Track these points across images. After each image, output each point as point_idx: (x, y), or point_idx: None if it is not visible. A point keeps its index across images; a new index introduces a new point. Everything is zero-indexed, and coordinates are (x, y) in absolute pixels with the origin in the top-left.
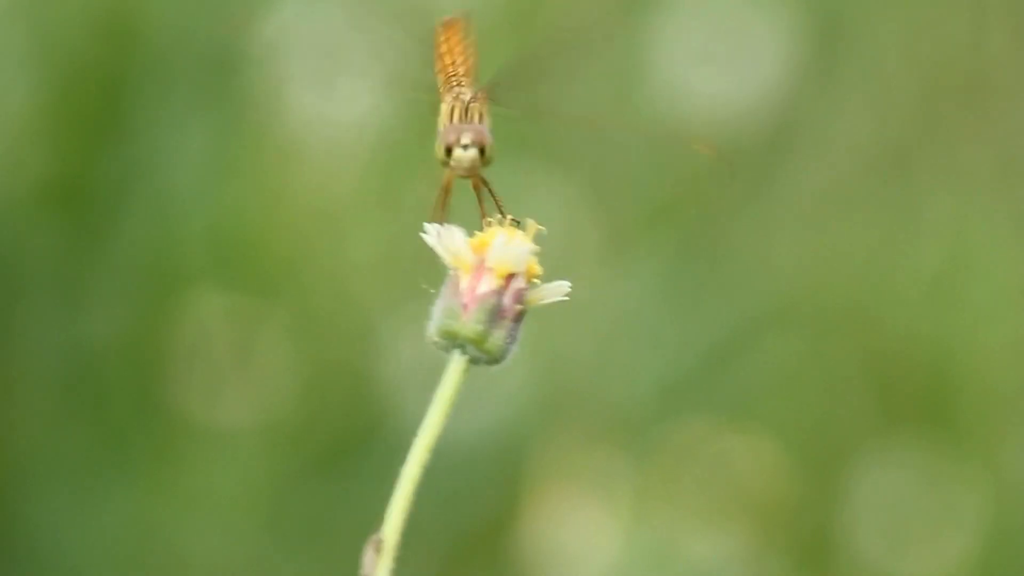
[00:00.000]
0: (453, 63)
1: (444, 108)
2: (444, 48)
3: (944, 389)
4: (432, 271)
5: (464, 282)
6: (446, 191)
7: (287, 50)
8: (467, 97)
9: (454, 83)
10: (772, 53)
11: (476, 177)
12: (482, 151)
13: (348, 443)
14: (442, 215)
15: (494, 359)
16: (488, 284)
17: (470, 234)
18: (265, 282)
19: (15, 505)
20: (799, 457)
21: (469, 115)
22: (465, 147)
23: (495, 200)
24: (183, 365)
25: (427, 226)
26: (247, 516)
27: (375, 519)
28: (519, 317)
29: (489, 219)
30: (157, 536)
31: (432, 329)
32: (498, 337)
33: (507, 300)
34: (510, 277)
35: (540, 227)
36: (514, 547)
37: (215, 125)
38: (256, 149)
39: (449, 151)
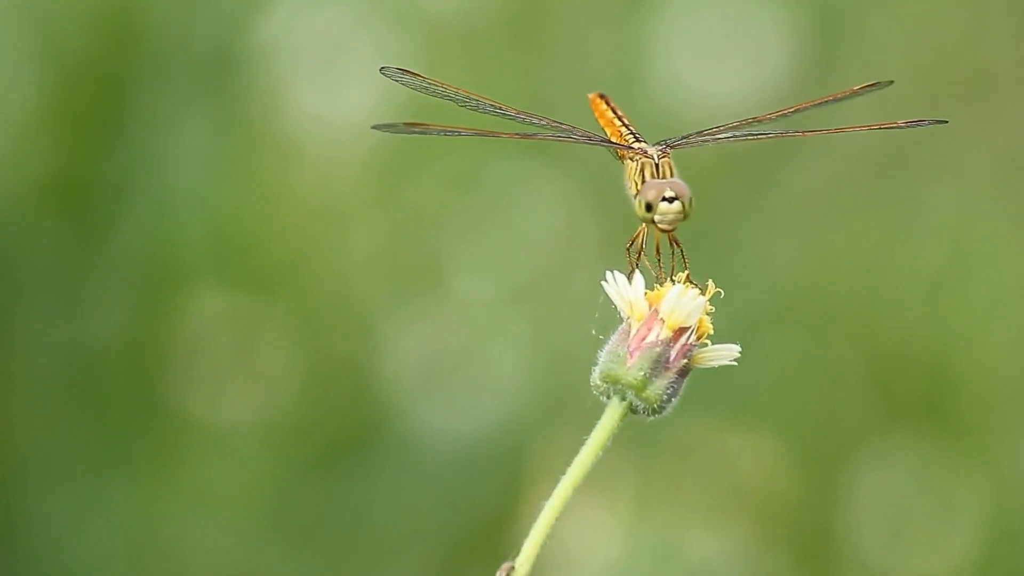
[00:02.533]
0: (625, 126)
1: (632, 166)
2: (610, 115)
3: (944, 388)
4: (604, 316)
5: (634, 331)
6: (642, 247)
7: (286, 50)
8: (655, 154)
9: (632, 142)
10: (772, 51)
11: (674, 232)
12: (684, 204)
13: (348, 441)
14: (634, 269)
15: (652, 409)
16: (657, 334)
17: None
18: (265, 281)
19: (15, 505)
20: (800, 456)
21: (661, 171)
22: (671, 200)
23: (683, 259)
24: (183, 364)
25: (609, 275)
26: (247, 514)
27: (374, 517)
28: (684, 372)
29: (671, 277)
30: (157, 534)
31: (596, 373)
32: (658, 387)
33: (674, 352)
34: (680, 331)
35: (718, 289)
36: (514, 547)
37: (215, 124)
38: (256, 148)
39: (650, 207)
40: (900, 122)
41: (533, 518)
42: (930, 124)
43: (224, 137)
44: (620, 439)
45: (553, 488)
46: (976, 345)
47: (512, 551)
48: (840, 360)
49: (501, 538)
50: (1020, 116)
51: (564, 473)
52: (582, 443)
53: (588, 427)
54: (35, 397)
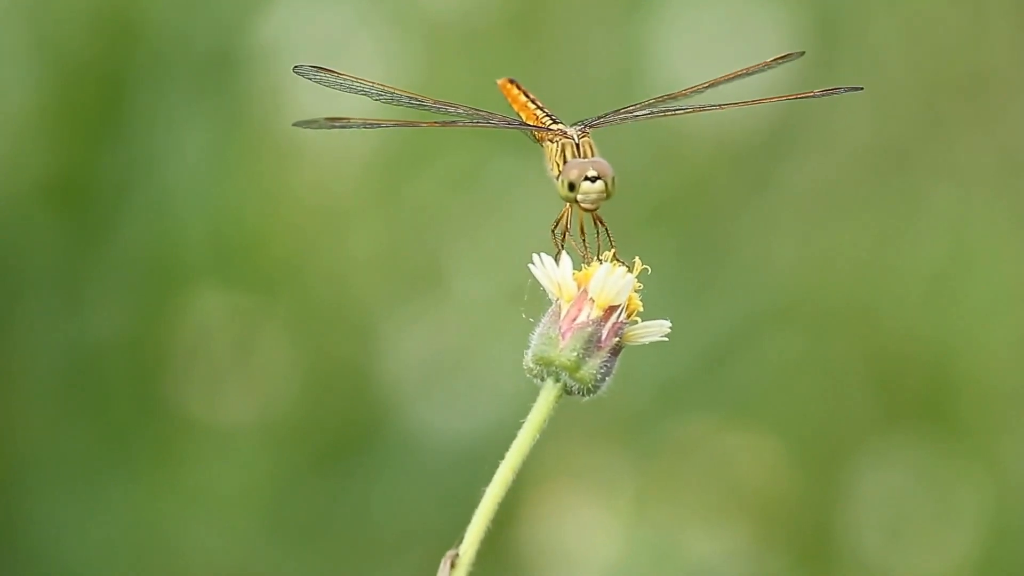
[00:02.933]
0: (539, 108)
1: (553, 148)
2: (523, 99)
3: (944, 387)
4: (534, 301)
5: (565, 311)
6: (567, 227)
7: (286, 50)
8: (575, 134)
9: (550, 124)
10: (772, 51)
11: (597, 210)
12: (607, 182)
13: (348, 441)
14: (560, 250)
15: (587, 389)
16: (587, 314)
17: (576, 267)
18: (265, 281)
19: (15, 505)
20: (799, 455)
21: (582, 151)
22: (593, 179)
23: (608, 238)
24: (183, 364)
25: (535, 257)
26: (247, 514)
27: (374, 517)
28: (616, 350)
29: (598, 256)
30: (157, 534)
31: (528, 356)
32: (592, 367)
33: (605, 331)
34: (611, 310)
35: (645, 266)
36: (514, 546)
37: (215, 124)
38: (256, 148)
39: (572, 186)
40: (816, 91)
41: (532, 518)
42: (846, 91)
43: (224, 137)
44: (619, 439)
45: (552, 487)
46: (976, 345)
47: (512, 551)
48: (840, 360)
49: (501, 538)
50: (1020, 116)
51: (503, 459)
52: (582, 442)
53: (589, 426)
54: (35, 397)
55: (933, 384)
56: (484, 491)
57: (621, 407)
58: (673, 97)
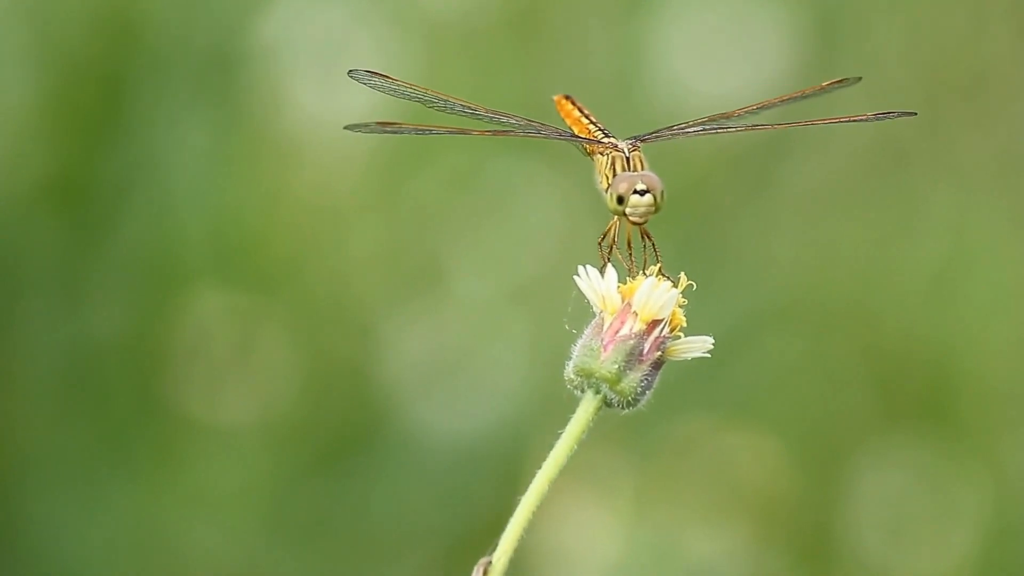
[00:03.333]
0: (592, 123)
1: (603, 161)
2: (576, 114)
3: (944, 386)
4: (577, 311)
5: (608, 324)
6: (614, 240)
7: (287, 49)
8: (626, 148)
9: (601, 137)
10: (772, 51)
11: (645, 224)
12: (656, 196)
13: (348, 441)
14: (606, 263)
15: (627, 401)
16: (630, 327)
17: (621, 281)
18: (265, 281)
19: (15, 504)
20: (799, 455)
21: (632, 165)
22: (642, 193)
23: (655, 252)
24: (183, 363)
25: (580, 269)
26: (247, 514)
27: (374, 517)
28: (658, 364)
29: (643, 270)
30: (157, 534)
31: (569, 367)
32: (632, 380)
33: (647, 345)
34: (654, 324)
35: (690, 282)
36: (516, 546)
37: (215, 123)
38: (256, 148)
39: (621, 200)
40: (869, 114)
41: (532, 518)
42: (898, 116)
43: (224, 137)
44: (619, 438)
45: (552, 487)
46: (976, 345)
47: (512, 551)
48: (840, 360)
49: (500, 538)
50: (1020, 116)
51: (540, 468)
52: (582, 441)
53: (594, 428)
54: (35, 397)
55: (933, 384)
56: (519, 499)
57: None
58: (726, 116)
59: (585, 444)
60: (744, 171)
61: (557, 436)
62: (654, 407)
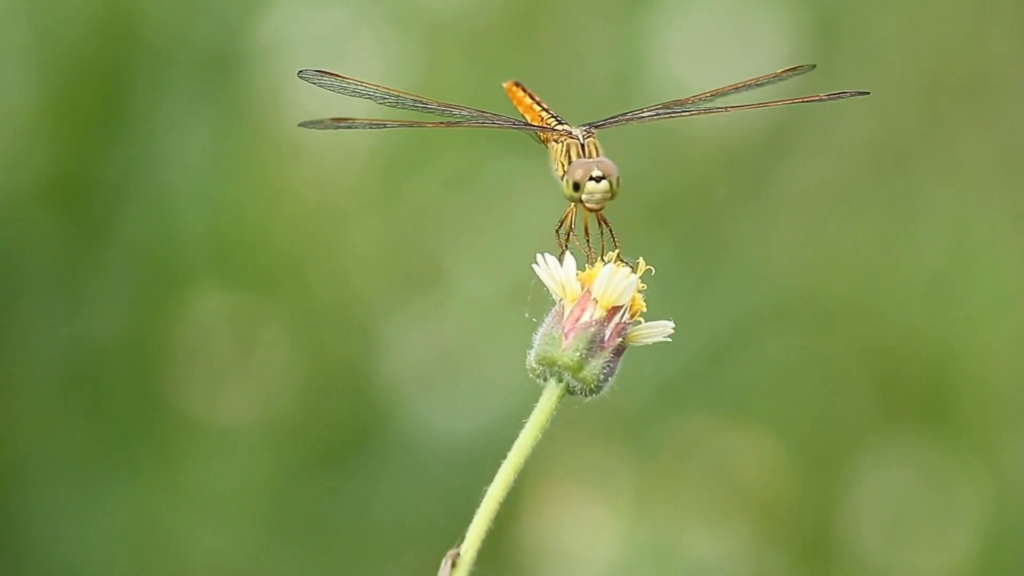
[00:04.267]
0: (545, 110)
1: (558, 148)
2: (528, 101)
3: (944, 386)
4: (537, 301)
5: (568, 312)
6: (571, 227)
7: (287, 49)
8: (580, 135)
9: (555, 124)
10: (772, 51)
11: (602, 211)
12: (611, 182)
13: (348, 440)
14: (564, 251)
15: (589, 389)
16: (591, 314)
17: (580, 268)
18: (265, 280)
19: (16, 503)
20: (799, 454)
21: (587, 151)
22: (598, 180)
23: (612, 238)
24: (183, 363)
25: (539, 257)
26: (247, 513)
27: (374, 516)
28: (619, 351)
29: (601, 256)
30: (157, 534)
31: (531, 356)
32: (595, 367)
33: (608, 332)
34: (614, 310)
35: (649, 267)
36: (514, 545)
37: (215, 123)
38: (256, 147)
39: (577, 186)
40: (823, 95)
41: (532, 517)
42: (852, 95)
43: (224, 136)
44: (618, 438)
45: (552, 487)
46: (976, 344)
47: (512, 551)
48: (840, 359)
49: (501, 538)
50: (1020, 116)
51: (505, 458)
52: (582, 441)
53: (588, 425)
54: (36, 395)
55: (933, 383)
56: (485, 490)
57: (621, 406)
58: (680, 103)
59: (585, 444)
60: (743, 171)
61: (520, 425)
62: (654, 407)
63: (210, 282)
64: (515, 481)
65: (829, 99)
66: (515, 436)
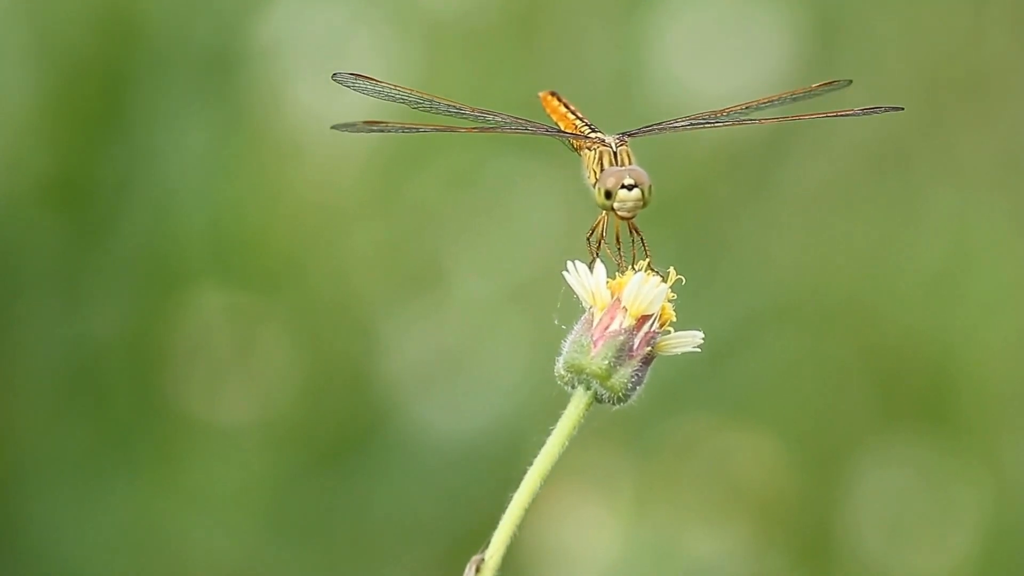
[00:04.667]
0: (579, 119)
1: (590, 156)
2: (563, 110)
3: (944, 386)
4: (567, 307)
5: (597, 319)
6: (602, 235)
7: (287, 48)
8: (613, 143)
9: (589, 132)
10: (772, 51)
11: (634, 219)
12: (643, 191)
13: (348, 440)
14: (595, 258)
15: (617, 397)
16: (620, 323)
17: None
18: (265, 280)
19: (16, 503)
20: (799, 454)
21: (619, 159)
22: (630, 188)
23: (644, 247)
24: (184, 362)
25: (569, 264)
26: (247, 512)
27: (374, 516)
28: (648, 360)
29: (632, 265)
30: (157, 534)
31: (559, 363)
32: (623, 375)
33: (637, 340)
34: (643, 319)
35: (679, 276)
36: (514, 545)
37: (215, 123)
38: (256, 147)
39: (609, 195)
40: (857, 109)
41: (532, 517)
42: (885, 111)
43: (224, 135)
44: (619, 437)
45: (552, 487)
46: (976, 344)
47: (512, 550)
48: (840, 359)
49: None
50: (1020, 116)
51: (531, 464)
52: (582, 441)
53: (587, 425)
54: (36, 395)
55: (933, 383)
56: (511, 496)
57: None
58: (714, 114)
59: (585, 444)
60: (744, 171)
61: (548, 433)
62: (654, 407)
63: (210, 282)
64: (513, 480)
65: (864, 114)
66: (513, 435)
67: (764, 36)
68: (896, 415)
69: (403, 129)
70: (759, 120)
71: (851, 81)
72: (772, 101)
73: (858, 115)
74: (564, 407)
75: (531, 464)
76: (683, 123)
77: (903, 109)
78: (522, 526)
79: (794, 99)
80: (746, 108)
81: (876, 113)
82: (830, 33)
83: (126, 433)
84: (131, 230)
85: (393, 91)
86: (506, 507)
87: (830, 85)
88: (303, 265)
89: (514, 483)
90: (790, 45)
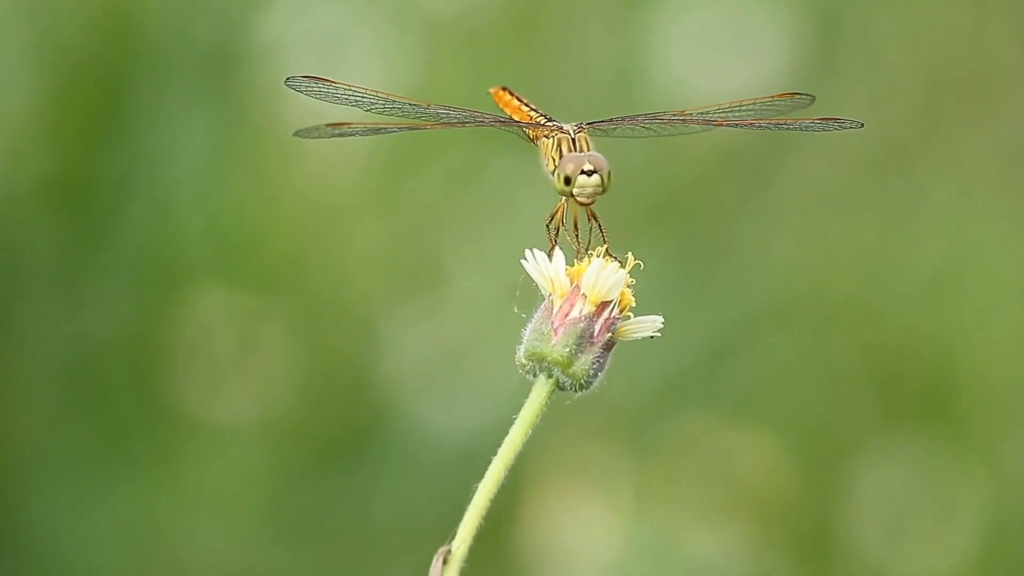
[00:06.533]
0: (533, 110)
1: (548, 143)
2: (516, 103)
3: (944, 385)
4: (527, 296)
5: (557, 307)
6: (561, 222)
7: (287, 47)
8: (571, 130)
9: (545, 121)
10: (772, 50)
11: (592, 205)
12: (603, 176)
13: (348, 439)
14: (553, 246)
15: (579, 384)
16: (580, 309)
17: (569, 263)
18: (266, 279)
19: (16, 502)
20: (799, 453)
21: (578, 146)
22: (590, 173)
23: (602, 233)
24: (184, 361)
25: (528, 252)
26: (247, 512)
27: (374, 516)
28: (608, 346)
29: (590, 251)
30: (157, 533)
31: (520, 351)
32: (584, 362)
33: (598, 327)
34: (603, 305)
35: (638, 261)
36: (514, 545)
37: (215, 122)
38: (256, 146)
39: (568, 180)
40: (814, 119)
41: (533, 516)
42: (848, 127)
43: (225, 134)
44: (619, 437)
45: (552, 485)
46: (976, 343)
47: (512, 549)
48: (840, 358)
49: (501, 537)
50: (1020, 115)
51: (495, 454)
52: (582, 440)
53: (588, 424)
54: (36, 394)
55: (933, 382)
56: (476, 487)
57: (621, 405)
58: (674, 113)
59: (585, 443)
60: (744, 170)
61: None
62: (654, 407)
63: (210, 281)
64: (514, 479)
65: (822, 128)
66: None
67: (764, 35)
68: (896, 415)
69: (367, 131)
70: (718, 123)
71: (814, 98)
72: (732, 106)
73: (813, 130)
74: (563, 406)
75: (538, 464)
76: (642, 118)
77: (863, 126)
78: (522, 526)
79: (752, 107)
80: (706, 111)
81: (830, 129)
82: (830, 33)
83: (126, 433)
84: (131, 230)
85: (349, 93)
86: (471, 498)
87: (792, 97)
88: (303, 265)
89: (515, 482)
90: (791, 44)
